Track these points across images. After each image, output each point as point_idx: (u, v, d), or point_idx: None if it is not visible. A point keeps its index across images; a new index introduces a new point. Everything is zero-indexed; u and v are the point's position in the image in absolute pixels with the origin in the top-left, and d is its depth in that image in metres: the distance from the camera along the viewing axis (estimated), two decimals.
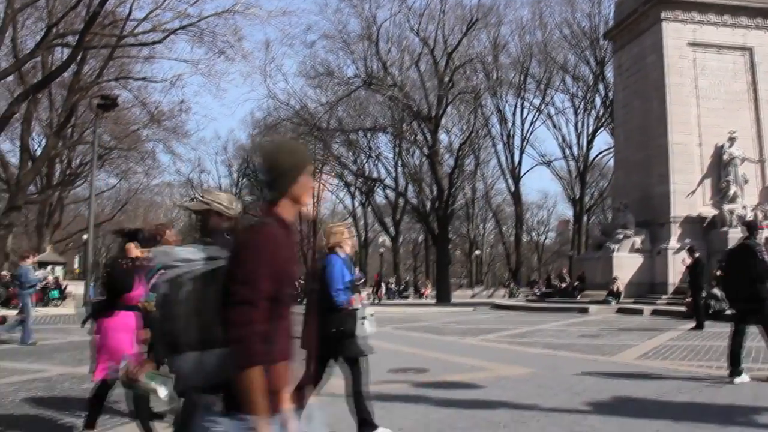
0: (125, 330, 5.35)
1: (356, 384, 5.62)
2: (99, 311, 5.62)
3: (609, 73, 45.51)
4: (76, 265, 53.05)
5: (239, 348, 2.20)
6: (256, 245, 2.29)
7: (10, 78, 28.75)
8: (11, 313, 21.49)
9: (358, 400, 5.59)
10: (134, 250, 5.65)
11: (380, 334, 15.51)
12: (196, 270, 2.40)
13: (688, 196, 26.20)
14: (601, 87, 50.92)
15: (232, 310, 2.21)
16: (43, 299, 27.86)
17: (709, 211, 25.95)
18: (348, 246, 5.97)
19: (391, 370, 9.63)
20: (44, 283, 29.31)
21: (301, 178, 2.47)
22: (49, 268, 34.92)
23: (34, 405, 6.94)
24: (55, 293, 29.48)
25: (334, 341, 5.50)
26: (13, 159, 39.94)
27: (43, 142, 38.77)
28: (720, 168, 26.43)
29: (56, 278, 32.86)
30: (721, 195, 25.97)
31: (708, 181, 26.57)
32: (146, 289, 4.99)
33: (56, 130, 33.76)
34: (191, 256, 2.43)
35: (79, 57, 28.45)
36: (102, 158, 40.65)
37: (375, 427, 5.58)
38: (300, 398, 2.56)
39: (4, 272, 31.99)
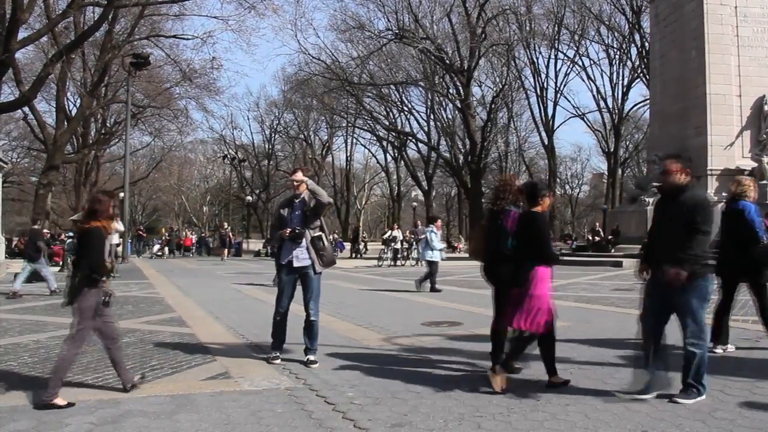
0: (549, 278, 5.96)
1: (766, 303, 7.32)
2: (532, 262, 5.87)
3: (645, 23, 44.49)
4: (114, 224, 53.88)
5: None
6: None
7: (44, 39, 28.96)
8: (54, 269, 22.06)
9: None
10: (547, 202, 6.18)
11: (413, 287, 15.61)
12: None
13: (726, 149, 25.72)
14: (637, 37, 49.77)
15: None
16: None
17: (748, 164, 25.49)
18: (754, 194, 7.28)
19: (424, 323, 9.73)
20: None
21: None
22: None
23: (80, 356, 7.16)
24: None
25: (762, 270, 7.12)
26: (50, 119, 40.55)
27: (78, 102, 39.17)
28: (760, 119, 25.85)
29: None
30: (761, 147, 25.46)
31: (747, 133, 26.03)
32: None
33: (90, 89, 34.09)
34: None
35: (111, 16, 28.49)
36: (136, 117, 41.02)
37: None
38: None
39: (46, 230, 32.72)
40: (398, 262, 28.02)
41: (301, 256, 6.88)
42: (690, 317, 5.39)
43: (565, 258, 28.21)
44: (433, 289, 15.06)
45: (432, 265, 15.57)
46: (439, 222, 17.20)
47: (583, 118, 59.03)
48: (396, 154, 63.54)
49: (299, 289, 7.06)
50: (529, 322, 5.68)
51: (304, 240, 6.84)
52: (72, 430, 4.64)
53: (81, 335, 5.58)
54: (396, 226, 30.54)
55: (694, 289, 5.33)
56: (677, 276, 5.22)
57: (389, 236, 29.33)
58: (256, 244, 49.65)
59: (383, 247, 30.31)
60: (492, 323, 6.42)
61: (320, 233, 6.96)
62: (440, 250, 16.12)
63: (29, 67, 35.34)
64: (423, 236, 16.81)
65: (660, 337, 5.62)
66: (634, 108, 56.33)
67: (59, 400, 5.18)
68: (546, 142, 56.84)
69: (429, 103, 53.09)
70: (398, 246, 28.54)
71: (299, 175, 7.04)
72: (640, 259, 6.02)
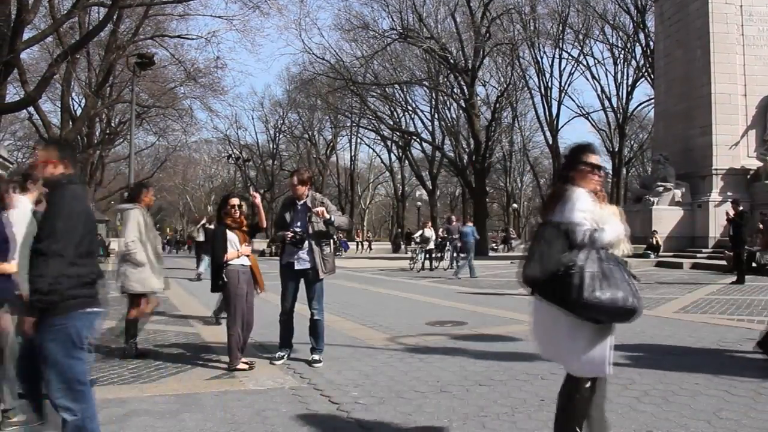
0: None
1: None
2: None
3: (650, 22, 44.33)
4: (118, 223, 54.09)
5: None
6: None
7: (49, 39, 29.00)
8: None
9: None
10: None
11: (418, 287, 15.63)
12: None
13: (731, 148, 25.64)
14: (641, 36, 49.57)
15: None
16: None
17: (753, 163, 25.41)
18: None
19: (428, 322, 9.73)
20: None
21: None
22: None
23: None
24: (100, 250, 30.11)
25: None
26: (55, 119, 40.66)
27: (83, 102, 39.24)
28: (766, 118, 25.76)
29: (100, 235, 33.44)
30: (766, 146, 25.37)
31: (752, 133, 25.94)
32: None
33: (95, 89, 34.12)
34: None
35: (115, 16, 28.54)
36: (140, 117, 41.08)
37: None
38: None
39: None
40: (432, 264, 25.45)
41: (302, 259, 6.90)
42: (52, 370, 3.63)
43: None
44: None
45: None
46: None
47: (587, 118, 58.83)
48: (400, 154, 63.47)
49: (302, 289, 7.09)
50: None
51: (305, 244, 6.84)
52: None
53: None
54: (429, 225, 27.87)
55: (53, 331, 3.60)
56: (23, 324, 3.67)
57: (419, 236, 26.40)
58: (260, 243, 49.67)
59: (415, 247, 27.43)
60: None
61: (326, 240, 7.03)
62: None
63: (34, 68, 35.39)
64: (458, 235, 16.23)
65: (38, 384, 4.01)
66: (639, 107, 56.13)
67: (241, 365, 6.56)
68: (550, 142, 56.67)
69: (433, 103, 53.02)
70: (432, 247, 25.69)
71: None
72: None
